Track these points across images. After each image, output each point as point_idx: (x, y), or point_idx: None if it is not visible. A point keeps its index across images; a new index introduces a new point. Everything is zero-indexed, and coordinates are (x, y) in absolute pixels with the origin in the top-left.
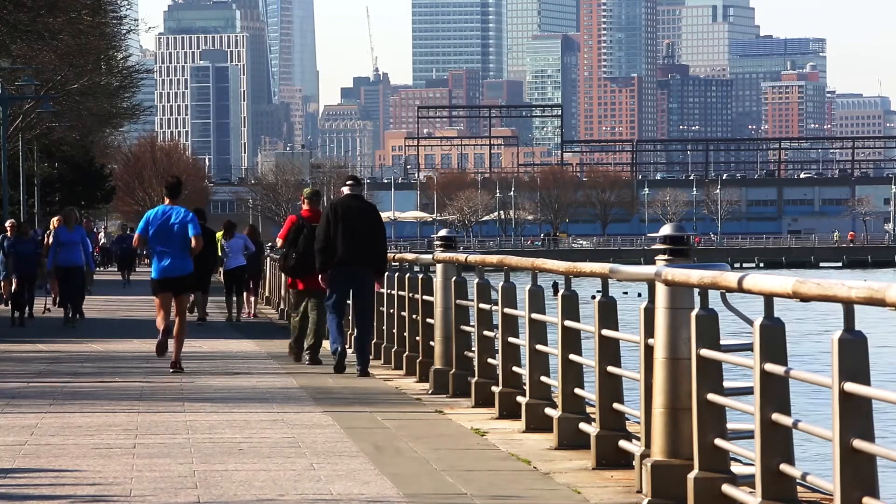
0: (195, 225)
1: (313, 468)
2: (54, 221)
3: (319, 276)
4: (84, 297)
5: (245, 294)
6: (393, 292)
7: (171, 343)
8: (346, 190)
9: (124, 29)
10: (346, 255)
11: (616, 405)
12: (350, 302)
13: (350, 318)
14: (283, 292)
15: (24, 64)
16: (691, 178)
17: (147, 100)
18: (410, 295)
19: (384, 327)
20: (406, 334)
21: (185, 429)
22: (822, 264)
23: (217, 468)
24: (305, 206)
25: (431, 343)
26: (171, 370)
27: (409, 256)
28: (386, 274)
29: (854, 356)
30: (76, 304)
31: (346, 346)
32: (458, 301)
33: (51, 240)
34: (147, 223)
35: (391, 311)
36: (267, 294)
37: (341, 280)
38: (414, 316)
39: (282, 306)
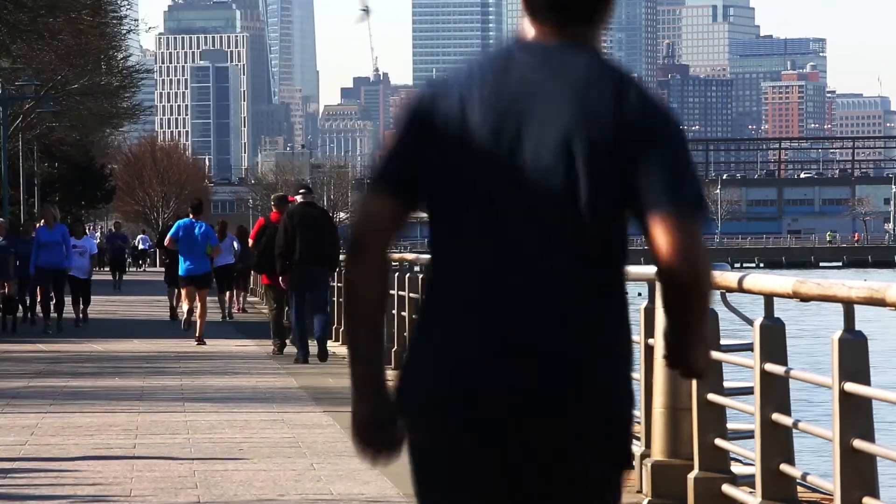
0: (213, 237)
1: (314, 468)
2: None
3: (280, 278)
4: (90, 300)
5: (235, 290)
6: (393, 292)
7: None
8: (299, 198)
9: (124, 29)
10: (304, 257)
11: None
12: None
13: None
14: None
15: (24, 64)
16: None
17: (147, 100)
18: (410, 295)
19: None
20: (406, 334)
21: (185, 429)
22: (822, 264)
23: (217, 468)
24: (273, 210)
25: None
26: (196, 343)
27: (409, 256)
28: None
29: (854, 356)
30: (60, 309)
31: (308, 354)
32: None
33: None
34: (178, 230)
35: (391, 311)
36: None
37: (300, 279)
38: (414, 316)
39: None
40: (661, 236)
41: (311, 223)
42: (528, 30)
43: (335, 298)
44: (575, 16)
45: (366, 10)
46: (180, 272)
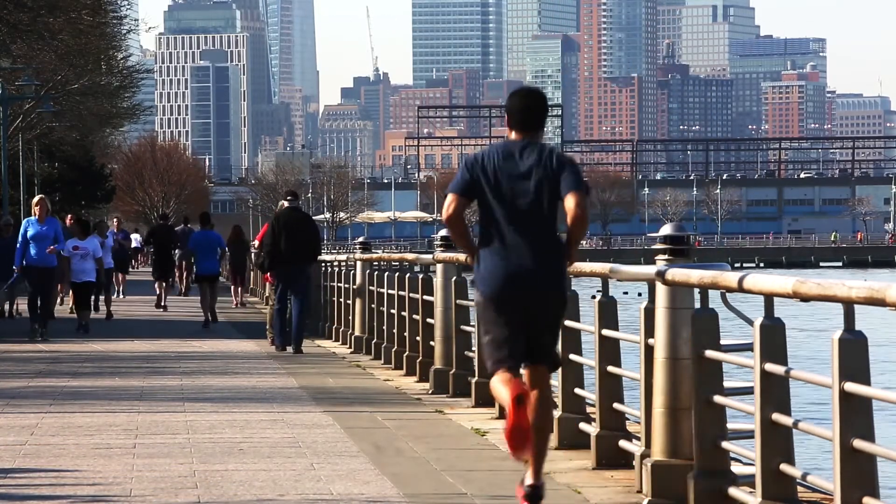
0: (222, 243)
1: (313, 468)
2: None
3: (266, 273)
4: (90, 307)
5: (232, 287)
6: (393, 292)
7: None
8: (286, 203)
9: (124, 29)
10: (288, 256)
11: (616, 405)
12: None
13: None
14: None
15: (24, 64)
16: (691, 178)
17: (147, 100)
18: (410, 295)
19: (384, 327)
20: (406, 334)
21: (186, 429)
22: (822, 264)
23: (217, 468)
24: None
25: (431, 343)
26: (204, 328)
27: (410, 256)
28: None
29: (854, 356)
30: (46, 313)
31: (287, 345)
32: (458, 301)
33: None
34: (194, 244)
35: (391, 311)
36: (252, 286)
37: (284, 275)
38: (414, 316)
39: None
40: (572, 201)
41: (295, 225)
42: (510, 133)
43: (328, 297)
44: (533, 127)
45: None
46: (199, 271)
